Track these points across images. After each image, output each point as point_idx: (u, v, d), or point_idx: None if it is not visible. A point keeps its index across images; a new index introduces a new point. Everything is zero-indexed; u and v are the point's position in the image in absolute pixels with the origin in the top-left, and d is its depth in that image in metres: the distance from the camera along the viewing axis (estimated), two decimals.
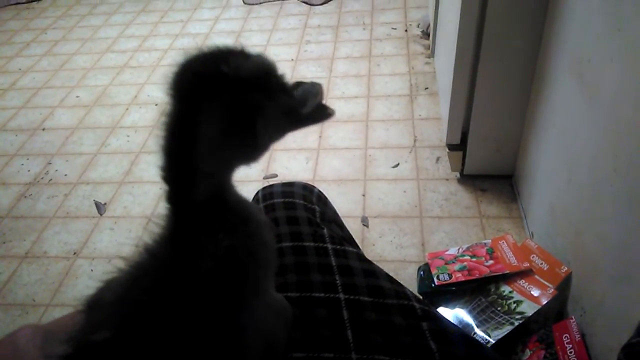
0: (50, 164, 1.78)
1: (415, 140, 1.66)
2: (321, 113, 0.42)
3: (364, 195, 1.49)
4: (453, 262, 1.10)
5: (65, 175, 1.72)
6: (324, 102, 0.42)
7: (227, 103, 0.35)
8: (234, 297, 0.37)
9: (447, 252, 1.15)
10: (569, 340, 0.89)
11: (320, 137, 1.72)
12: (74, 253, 1.43)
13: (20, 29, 2.75)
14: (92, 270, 1.38)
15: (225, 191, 0.39)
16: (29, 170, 1.76)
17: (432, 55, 2.05)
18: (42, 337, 0.39)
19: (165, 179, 0.37)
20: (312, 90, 0.41)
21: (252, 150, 0.39)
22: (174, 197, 0.37)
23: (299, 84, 0.42)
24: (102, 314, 0.35)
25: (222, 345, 0.36)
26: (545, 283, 0.99)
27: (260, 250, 0.40)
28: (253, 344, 0.38)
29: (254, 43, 2.33)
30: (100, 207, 1.57)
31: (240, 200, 0.41)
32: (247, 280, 0.37)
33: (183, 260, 0.36)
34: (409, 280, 1.22)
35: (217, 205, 0.38)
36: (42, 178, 1.72)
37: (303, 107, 0.40)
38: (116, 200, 1.59)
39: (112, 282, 0.37)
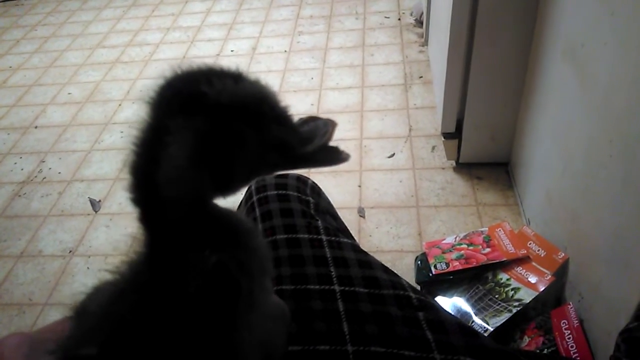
0: (43, 162, 1.76)
1: (410, 130, 1.65)
2: (329, 156, 0.36)
3: (359, 186, 1.48)
4: (450, 251, 1.10)
5: (59, 173, 1.70)
6: (336, 144, 0.36)
7: (200, 126, 0.32)
8: (227, 315, 0.34)
9: (444, 241, 1.15)
10: (567, 326, 0.89)
11: None
12: (70, 251, 1.43)
13: (10, 26, 2.72)
14: (88, 268, 1.38)
15: (204, 206, 0.36)
16: (22, 169, 1.74)
17: (425, 43, 2.03)
18: (29, 346, 0.38)
19: (133, 200, 0.34)
20: (323, 129, 0.36)
21: (225, 182, 0.35)
22: (145, 219, 0.35)
23: (311, 119, 0.37)
24: (89, 326, 0.34)
25: None
26: (543, 269, 0.99)
27: (254, 261, 0.37)
28: (249, 357, 0.37)
29: (246, 35, 2.31)
30: (95, 204, 1.56)
31: (222, 210, 0.38)
32: (240, 296, 0.35)
33: (169, 280, 0.33)
34: (406, 270, 1.21)
35: (198, 220, 0.35)
36: (35, 176, 1.71)
37: (306, 145, 0.35)
38: (111, 197, 1.58)
39: (101, 290, 0.36)
